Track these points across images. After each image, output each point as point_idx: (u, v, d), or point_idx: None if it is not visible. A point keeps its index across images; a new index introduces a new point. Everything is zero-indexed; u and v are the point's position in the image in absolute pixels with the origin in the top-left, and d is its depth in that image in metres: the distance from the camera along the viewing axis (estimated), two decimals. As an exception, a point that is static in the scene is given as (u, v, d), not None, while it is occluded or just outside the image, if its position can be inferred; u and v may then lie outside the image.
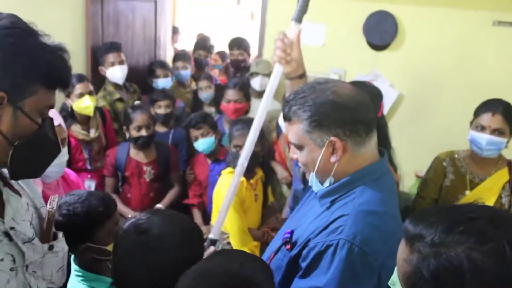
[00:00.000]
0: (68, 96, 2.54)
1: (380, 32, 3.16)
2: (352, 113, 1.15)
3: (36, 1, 2.74)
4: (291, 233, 1.27)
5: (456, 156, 2.20)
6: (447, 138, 2.75)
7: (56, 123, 1.11)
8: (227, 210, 1.66)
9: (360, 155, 1.18)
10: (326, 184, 1.21)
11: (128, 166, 2.65)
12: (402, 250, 0.79)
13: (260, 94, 3.30)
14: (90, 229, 1.30)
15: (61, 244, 1.10)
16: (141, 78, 3.42)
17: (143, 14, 3.46)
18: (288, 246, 1.23)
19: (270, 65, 3.39)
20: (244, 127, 2.12)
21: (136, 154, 2.67)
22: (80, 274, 1.32)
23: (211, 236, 1.64)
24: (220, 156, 2.75)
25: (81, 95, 2.53)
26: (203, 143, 2.65)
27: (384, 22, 3.13)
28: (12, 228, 0.95)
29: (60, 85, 0.96)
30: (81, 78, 2.55)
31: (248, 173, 2.20)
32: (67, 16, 2.85)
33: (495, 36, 3.02)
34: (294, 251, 1.21)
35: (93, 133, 2.66)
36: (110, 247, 1.31)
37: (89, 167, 2.70)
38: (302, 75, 1.50)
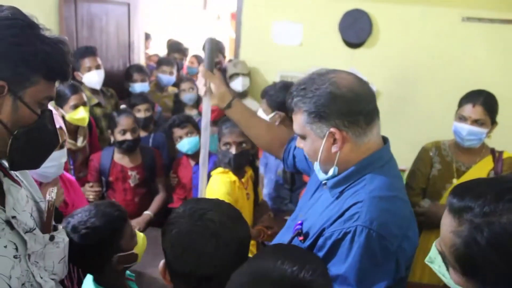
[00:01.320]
0: (60, 106, 2.44)
1: (356, 30, 3.23)
2: (351, 104, 1.15)
3: (7, 3, 2.63)
4: (302, 224, 1.26)
5: (442, 145, 2.26)
6: (425, 132, 2.83)
7: (57, 125, 1.08)
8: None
9: (362, 144, 1.20)
10: (330, 173, 1.22)
11: (112, 170, 2.58)
12: (449, 223, 0.81)
13: (241, 95, 3.31)
14: (114, 238, 1.26)
15: (61, 235, 1.10)
16: (116, 82, 3.33)
17: (116, 17, 3.39)
18: (301, 237, 1.22)
19: (246, 64, 3.40)
20: (233, 124, 2.09)
21: (121, 159, 2.60)
22: None
23: None
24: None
25: (75, 107, 2.44)
26: (188, 142, 2.62)
27: (359, 20, 3.21)
28: (13, 217, 0.96)
29: (59, 77, 0.97)
30: (75, 89, 2.46)
31: (239, 172, 2.18)
32: (40, 19, 2.72)
33: (465, 31, 3.15)
34: (308, 242, 1.20)
35: (80, 142, 2.57)
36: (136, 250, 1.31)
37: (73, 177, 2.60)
38: (230, 105, 1.65)
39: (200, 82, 1.67)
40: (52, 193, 1.08)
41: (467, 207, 0.78)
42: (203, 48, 3.74)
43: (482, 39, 3.13)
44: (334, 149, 1.18)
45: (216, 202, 1.09)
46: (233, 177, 2.15)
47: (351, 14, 3.20)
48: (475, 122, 2.05)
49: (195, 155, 2.71)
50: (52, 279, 1.07)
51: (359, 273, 1.06)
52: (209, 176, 2.28)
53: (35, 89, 0.91)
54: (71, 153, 2.57)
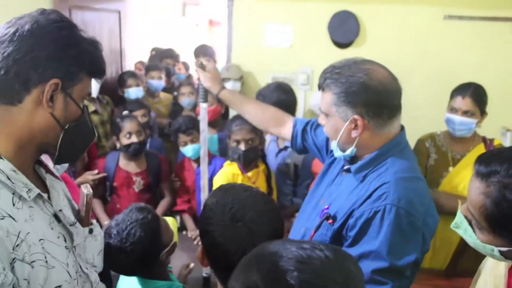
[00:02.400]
0: None
1: (344, 30, 3.34)
2: (379, 97, 1.25)
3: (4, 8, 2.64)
4: (328, 208, 1.34)
5: (436, 137, 2.38)
6: (413, 127, 2.92)
7: None
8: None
9: (382, 134, 1.30)
10: (348, 152, 1.32)
11: (117, 176, 2.60)
12: (477, 186, 0.96)
13: (233, 98, 3.36)
14: (157, 240, 1.30)
15: (98, 228, 1.16)
16: (109, 90, 3.35)
17: (109, 25, 3.41)
18: (330, 221, 1.30)
19: (240, 69, 3.47)
20: (242, 122, 2.19)
21: (126, 164, 2.63)
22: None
23: None
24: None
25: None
26: (192, 149, 2.66)
27: (347, 22, 3.32)
28: (60, 211, 1.01)
29: (100, 74, 1.03)
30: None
31: (249, 167, 2.28)
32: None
33: (446, 29, 3.30)
34: (337, 224, 1.28)
35: None
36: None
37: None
38: (223, 87, 1.83)
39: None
40: (88, 187, 1.13)
41: (494, 171, 0.93)
42: (195, 53, 3.83)
43: (463, 36, 3.28)
44: (354, 134, 1.28)
45: (251, 196, 1.04)
46: (237, 170, 2.27)
47: (339, 15, 3.31)
48: (465, 113, 2.18)
49: (198, 158, 2.76)
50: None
51: (391, 248, 1.15)
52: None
53: (81, 86, 0.97)
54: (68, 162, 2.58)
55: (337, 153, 1.36)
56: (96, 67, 1.00)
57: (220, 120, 3.18)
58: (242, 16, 3.51)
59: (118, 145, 2.61)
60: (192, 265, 1.71)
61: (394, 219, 1.16)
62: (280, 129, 1.80)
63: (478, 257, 2.18)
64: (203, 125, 1.93)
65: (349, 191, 1.32)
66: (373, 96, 1.24)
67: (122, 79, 3.31)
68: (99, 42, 1.02)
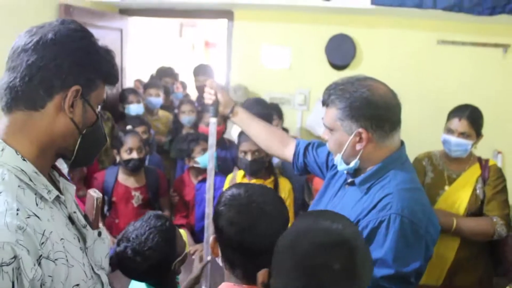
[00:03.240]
0: None
1: (341, 53, 3.44)
2: (382, 111, 1.32)
3: (4, 29, 2.68)
4: None
5: (433, 156, 2.43)
6: (407, 147, 3.02)
7: None
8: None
9: (384, 146, 1.36)
10: (352, 164, 1.38)
11: (116, 190, 2.61)
12: None
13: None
14: (173, 248, 1.33)
15: (105, 232, 1.18)
16: (110, 105, 3.38)
17: (110, 42, 3.46)
18: None
19: (248, 90, 3.55)
20: None
21: (125, 179, 2.64)
22: None
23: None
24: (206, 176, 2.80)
25: None
26: (203, 159, 2.69)
27: (344, 44, 3.42)
28: (74, 212, 1.03)
29: (114, 82, 1.06)
30: None
31: (253, 175, 2.44)
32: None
33: (440, 53, 3.42)
34: None
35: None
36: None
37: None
38: (232, 111, 1.89)
39: (208, 92, 1.91)
40: (96, 192, 1.16)
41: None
42: (194, 72, 3.89)
43: (455, 60, 3.41)
44: (358, 146, 1.34)
45: (262, 187, 1.19)
46: (242, 178, 2.48)
47: (336, 38, 3.41)
48: (461, 134, 2.24)
49: (197, 172, 2.78)
50: None
51: (396, 255, 1.20)
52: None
53: (97, 93, 1.01)
54: (69, 172, 2.59)
55: (341, 167, 1.42)
56: (111, 75, 1.03)
57: (220, 139, 3.21)
58: (241, 37, 3.61)
59: (118, 159, 2.63)
60: (209, 257, 1.71)
61: (399, 228, 1.21)
62: (283, 149, 1.87)
63: (473, 274, 2.25)
64: (212, 140, 1.99)
65: (353, 203, 1.37)
66: (375, 110, 1.31)
67: (124, 95, 3.34)
68: (113, 51, 1.06)
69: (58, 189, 1.03)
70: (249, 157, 2.40)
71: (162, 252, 1.29)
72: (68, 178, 1.12)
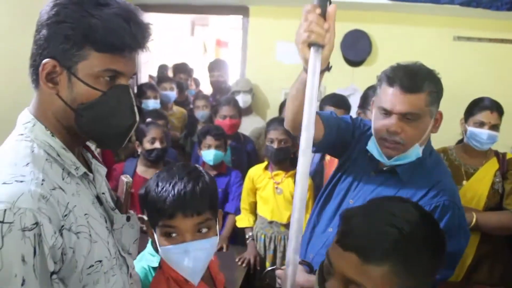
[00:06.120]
0: None
1: (356, 49, 3.44)
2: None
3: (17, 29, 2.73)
4: None
5: (449, 151, 2.43)
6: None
7: None
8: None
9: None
10: (420, 152, 1.38)
11: (135, 182, 2.63)
12: None
13: (245, 111, 3.43)
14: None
15: (135, 218, 1.15)
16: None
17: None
18: None
19: (249, 81, 3.55)
20: (278, 124, 2.46)
21: (144, 171, 2.66)
22: None
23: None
24: (223, 170, 2.81)
25: None
26: (214, 154, 2.69)
27: (360, 40, 3.42)
28: (103, 193, 1.03)
29: (111, 48, 0.90)
30: None
31: (277, 164, 2.52)
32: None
33: (456, 49, 3.40)
34: None
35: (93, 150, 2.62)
36: None
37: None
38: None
39: (316, 19, 1.11)
40: (127, 177, 1.16)
41: None
42: (209, 68, 3.92)
43: (471, 56, 3.39)
44: (434, 129, 1.39)
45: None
46: (260, 171, 2.59)
47: (352, 34, 3.41)
48: (493, 126, 2.23)
49: (215, 167, 2.80)
50: None
51: (450, 237, 1.26)
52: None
53: (88, 63, 0.89)
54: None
55: (411, 157, 1.37)
56: (100, 41, 0.88)
57: (235, 133, 3.22)
58: (257, 33, 3.62)
59: (139, 150, 2.65)
60: None
61: (452, 212, 1.30)
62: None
63: (494, 270, 2.23)
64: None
65: (394, 191, 1.39)
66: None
67: (141, 90, 3.37)
68: (126, 12, 0.91)
69: (89, 169, 1.04)
70: (275, 145, 2.46)
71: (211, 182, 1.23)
72: (100, 160, 1.13)
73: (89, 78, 0.90)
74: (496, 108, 2.23)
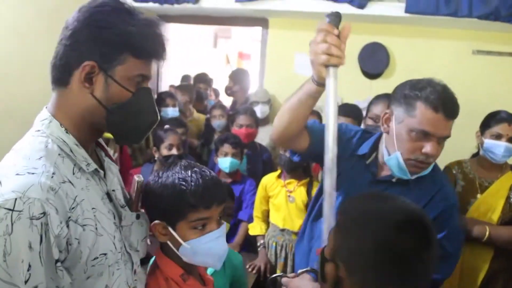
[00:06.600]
0: None
1: (374, 61, 3.45)
2: None
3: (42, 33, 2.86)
4: None
5: (463, 164, 2.41)
6: (440, 157, 3.00)
7: None
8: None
9: None
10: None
11: (150, 188, 2.69)
12: None
13: (263, 121, 3.48)
14: None
15: (145, 217, 1.20)
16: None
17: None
18: None
19: (267, 92, 3.60)
20: None
21: (160, 177, 2.72)
22: None
23: None
24: (238, 178, 2.86)
25: None
26: (230, 162, 2.72)
27: (377, 53, 3.44)
28: (113, 191, 1.07)
29: (146, 55, 1.00)
30: None
31: (290, 173, 2.55)
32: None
33: (475, 63, 3.38)
34: None
35: (111, 154, 2.69)
36: None
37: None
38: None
39: (335, 41, 1.19)
40: (139, 176, 1.20)
41: None
42: (230, 77, 3.99)
43: (491, 70, 3.36)
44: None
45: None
46: (273, 179, 2.63)
47: (369, 47, 3.43)
48: (510, 139, 2.20)
49: (230, 175, 2.84)
50: None
51: (453, 239, 1.37)
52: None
53: (125, 67, 0.97)
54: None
55: (429, 170, 1.41)
56: (141, 49, 0.98)
57: (251, 142, 3.26)
58: (275, 45, 3.68)
59: (156, 156, 2.71)
60: None
61: (456, 216, 1.43)
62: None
63: (508, 286, 2.19)
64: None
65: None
66: None
67: (161, 98, 3.45)
68: (152, 24, 1.01)
69: (101, 166, 1.09)
70: (288, 154, 2.43)
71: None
72: (113, 159, 1.19)
73: (124, 81, 0.98)
74: None
